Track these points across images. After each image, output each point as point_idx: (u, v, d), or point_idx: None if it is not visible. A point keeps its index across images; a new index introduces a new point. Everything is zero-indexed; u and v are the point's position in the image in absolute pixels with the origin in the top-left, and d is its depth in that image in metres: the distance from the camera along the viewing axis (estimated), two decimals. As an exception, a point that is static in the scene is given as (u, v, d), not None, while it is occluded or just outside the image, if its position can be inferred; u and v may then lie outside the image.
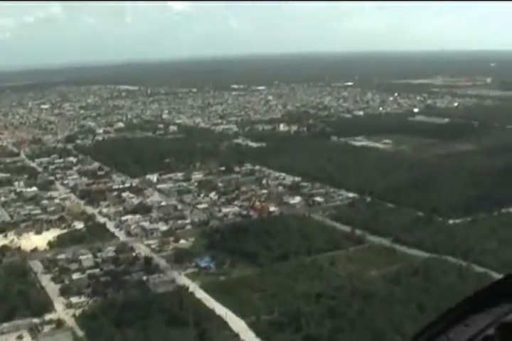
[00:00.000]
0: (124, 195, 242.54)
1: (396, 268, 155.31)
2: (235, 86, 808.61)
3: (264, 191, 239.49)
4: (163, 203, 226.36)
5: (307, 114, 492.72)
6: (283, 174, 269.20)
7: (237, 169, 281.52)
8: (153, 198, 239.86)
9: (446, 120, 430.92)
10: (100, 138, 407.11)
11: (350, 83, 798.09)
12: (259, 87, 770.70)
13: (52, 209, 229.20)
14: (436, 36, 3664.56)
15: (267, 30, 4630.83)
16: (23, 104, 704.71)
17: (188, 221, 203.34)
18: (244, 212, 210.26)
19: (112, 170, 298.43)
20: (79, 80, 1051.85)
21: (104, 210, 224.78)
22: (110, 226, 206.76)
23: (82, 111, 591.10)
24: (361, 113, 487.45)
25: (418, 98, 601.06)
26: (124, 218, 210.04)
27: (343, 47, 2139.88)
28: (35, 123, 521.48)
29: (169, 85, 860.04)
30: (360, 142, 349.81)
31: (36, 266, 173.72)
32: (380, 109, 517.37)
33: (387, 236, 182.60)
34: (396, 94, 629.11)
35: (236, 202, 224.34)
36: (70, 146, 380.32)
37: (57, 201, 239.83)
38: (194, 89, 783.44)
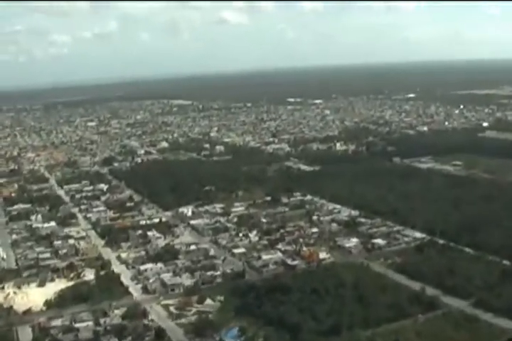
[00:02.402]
0: (150, 234, 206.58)
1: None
2: (291, 99, 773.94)
3: (315, 230, 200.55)
4: (192, 247, 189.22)
5: (366, 130, 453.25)
6: (338, 206, 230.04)
7: (284, 200, 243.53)
8: (183, 238, 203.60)
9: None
10: (140, 159, 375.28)
11: (411, 95, 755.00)
12: (316, 101, 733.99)
13: (64, 251, 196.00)
14: (496, 43, 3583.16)
15: (324, 42, 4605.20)
16: (70, 121, 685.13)
17: (219, 272, 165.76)
18: (289, 260, 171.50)
19: (144, 200, 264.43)
20: (133, 95, 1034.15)
21: (124, 255, 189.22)
22: (126, 277, 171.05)
23: (128, 129, 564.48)
24: (425, 128, 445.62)
25: (486, 110, 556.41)
26: (143, 267, 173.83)
27: (402, 58, 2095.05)
28: (76, 142, 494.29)
29: (223, 100, 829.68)
30: (426, 164, 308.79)
31: (25, 334, 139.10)
32: (446, 123, 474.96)
33: (466, 297, 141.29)
34: (462, 107, 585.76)
35: (280, 246, 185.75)
36: (105, 170, 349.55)
37: (72, 241, 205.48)
38: (248, 104, 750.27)
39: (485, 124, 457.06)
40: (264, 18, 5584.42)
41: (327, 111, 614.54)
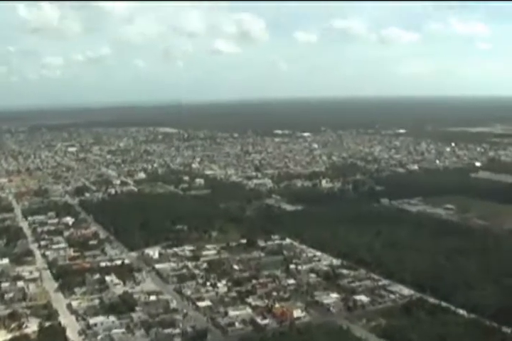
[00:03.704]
0: (108, 279, 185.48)
1: None
2: (279, 131, 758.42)
3: (291, 281, 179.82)
4: (152, 297, 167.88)
5: (354, 166, 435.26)
6: (318, 253, 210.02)
7: (261, 243, 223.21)
8: (145, 285, 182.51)
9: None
10: (114, 191, 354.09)
11: (402, 130, 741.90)
12: (305, 134, 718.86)
13: (10, 296, 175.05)
14: (488, 79, 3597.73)
15: (316, 74, 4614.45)
16: (51, 146, 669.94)
17: (178, 330, 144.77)
18: (259, 319, 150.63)
19: (109, 237, 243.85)
20: (120, 121, 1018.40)
21: (75, 303, 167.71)
22: (73, 331, 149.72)
23: (108, 156, 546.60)
24: (416, 167, 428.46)
25: (478, 149, 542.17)
26: (93, 321, 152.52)
27: (394, 92, 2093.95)
28: (53, 168, 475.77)
29: (210, 129, 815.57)
30: (416, 206, 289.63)
31: None
32: (437, 162, 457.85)
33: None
34: (453, 145, 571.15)
35: (250, 299, 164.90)
36: (76, 201, 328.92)
37: (21, 284, 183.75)
38: (235, 134, 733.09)
39: (478, 164, 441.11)
40: (257, 48, 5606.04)
41: (315, 145, 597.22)
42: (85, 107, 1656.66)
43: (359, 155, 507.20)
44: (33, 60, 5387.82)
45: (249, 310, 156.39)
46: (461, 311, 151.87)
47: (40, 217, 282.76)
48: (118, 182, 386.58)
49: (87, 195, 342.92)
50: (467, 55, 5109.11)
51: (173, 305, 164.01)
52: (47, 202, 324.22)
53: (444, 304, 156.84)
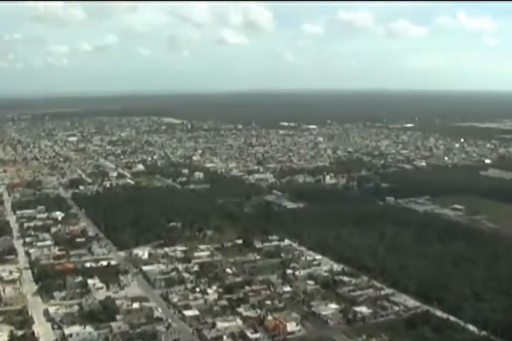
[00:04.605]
0: (91, 282, 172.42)
1: None
2: (285, 123, 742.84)
3: (287, 288, 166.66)
4: (135, 305, 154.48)
5: (360, 162, 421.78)
6: (318, 257, 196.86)
7: (258, 244, 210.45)
8: (130, 290, 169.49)
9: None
10: (110, 183, 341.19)
11: (410, 125, 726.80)
12: (310, 126, 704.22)
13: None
14: (495, 75, 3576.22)
15: (324, 66, 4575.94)
16: (52, 135, 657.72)
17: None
18: (249, 332, 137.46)
19: (98, 235, 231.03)
20: (125, 110, 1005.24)
21: (52, 309, 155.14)
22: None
23: (108, 147, 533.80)
24: (423, 163, 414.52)
25: (488, 145, 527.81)
26: (69, 331, 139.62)
27: (401, 85, 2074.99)
28: (50, 159, 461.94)
29: (215, 120, 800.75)
30: (424, 206, 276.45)
31: None
32: (446, 158, 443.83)
33: None
34: (462, 140, 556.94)
35: (241, 309, 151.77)
36: (68, 194, 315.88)
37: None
38: (240, 126, 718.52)
39: (487, 161, 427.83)
40: (264, 39, 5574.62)
41: (320, 138, 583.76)
42: (90, 96, 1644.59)
43: (365, 149, 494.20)
44: (38, 48, 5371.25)
45: (239, 322, 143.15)
46: (471, 327, 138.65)
47: (29, 211, 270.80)
48: (115, 174, 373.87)
49: (82, 187, 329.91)
50: (474, 49, 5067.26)
51: (158, 313, 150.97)
52: (39, 195, 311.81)
53: (452, 318, 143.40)
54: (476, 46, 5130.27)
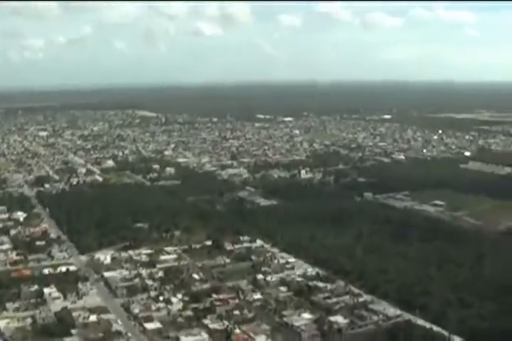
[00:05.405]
0: (47, 291, 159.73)
1: None
2: (261, 116, 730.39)
3: (257, 296, 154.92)
4: (93, 317, 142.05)
5: (337, 155, 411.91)
6: (292, 259, 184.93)
7: (228, 246, 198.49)
8: (89, 299, 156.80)
9: (509, 170, 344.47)
10: (77, 181, 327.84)
11: (387, 116, 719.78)
12: (286, 118, 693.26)
13: None
14: (472, 66, 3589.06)
15: (300, 57, 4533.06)
16: (22, 129, 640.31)
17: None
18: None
19: (60, 237, 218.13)
20: (99, 104, 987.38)
21: (2, 324, 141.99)
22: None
23: (79, 142, 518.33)
24: (402, 156, 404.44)
25: (467, 137, 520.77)
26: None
27: (378, 76, 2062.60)
28: (18, 155, 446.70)
29: (190, 113, 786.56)
30: (403, 202, 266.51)
31: None
32: (424, 151, 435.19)
33: None
34: (440, 132, 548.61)
35: (208, 320, 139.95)
36: (33, 192, 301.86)
37: None
38: (215, 119, 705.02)
39: (467, 154, 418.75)
40: (240, 31, 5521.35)
41: (296, 131, 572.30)
42: (66, 89, 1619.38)
43: (342, 142, 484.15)
44: (14, 42, 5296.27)
45: (204, 336, 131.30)
46: (457, 339, 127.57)
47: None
48: (83, 170, 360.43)
49: (47, 185, 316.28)
50: (453, 41, 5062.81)
51: (117, 326, 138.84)
52: (2, 194, 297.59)
53: (435, 328, 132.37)
54: (455, 37, 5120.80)
